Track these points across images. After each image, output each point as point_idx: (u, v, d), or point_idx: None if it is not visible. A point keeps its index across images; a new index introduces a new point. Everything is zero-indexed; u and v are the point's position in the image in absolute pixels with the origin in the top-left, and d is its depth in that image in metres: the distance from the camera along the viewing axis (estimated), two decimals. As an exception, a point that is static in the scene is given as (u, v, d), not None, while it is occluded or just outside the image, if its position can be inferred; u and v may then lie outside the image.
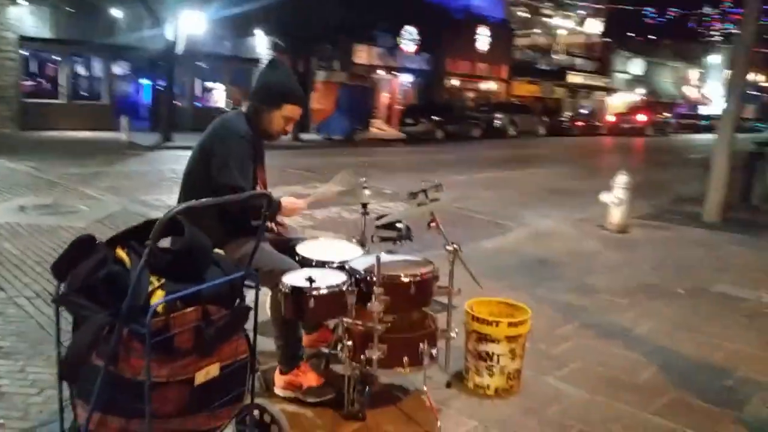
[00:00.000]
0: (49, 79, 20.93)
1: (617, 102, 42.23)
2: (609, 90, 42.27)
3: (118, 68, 22.13)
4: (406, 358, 2.58)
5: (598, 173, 13.67)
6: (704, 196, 8.22)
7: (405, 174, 11.59)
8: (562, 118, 33.24)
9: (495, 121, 27.62)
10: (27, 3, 18.67)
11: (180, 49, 18.10)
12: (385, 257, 2.67)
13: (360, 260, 2.74)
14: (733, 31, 50.50)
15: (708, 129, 42.62)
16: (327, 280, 2.50)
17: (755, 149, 9.56)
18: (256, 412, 2.27)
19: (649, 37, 46.26)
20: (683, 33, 48.62)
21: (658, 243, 6.71)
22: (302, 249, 2.86)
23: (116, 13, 20.38)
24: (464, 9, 32.02)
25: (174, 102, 18.98)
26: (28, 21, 18.81)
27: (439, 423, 2.58)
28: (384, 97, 30.95)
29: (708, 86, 51.23)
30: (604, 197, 7.08)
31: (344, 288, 2.49)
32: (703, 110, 48.93)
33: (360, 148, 19.49)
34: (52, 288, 4.27)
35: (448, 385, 2.98)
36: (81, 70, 21.47)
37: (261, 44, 24.98)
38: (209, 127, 2.86)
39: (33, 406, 2.78)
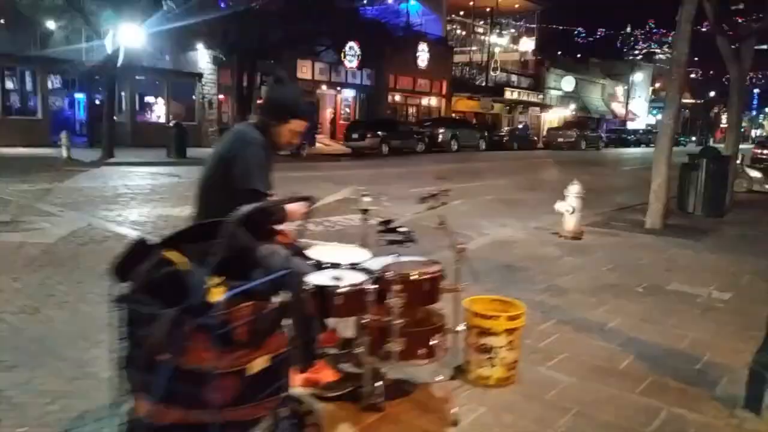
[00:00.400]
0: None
1: (551, 117, 43.95)
2: (543, 106, 43.93)
3: (53, 82, 21.43)
4: (422, 351, 2.76)
5: (541, 185, 14.30)
6: (646, 205, 8.79)
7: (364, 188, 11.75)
8: (501, 133, 34.29)
9: (438, 135, 28.24)
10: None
11: (119, 62, 17.71)
12: (397, 259, 2.85)
13: (373, 261, 2.91)
14: (655, 50, 53.50)
15: (636, 143, 45.02)
16: (349, 279, 2.66)
17: (689, 161, 10.27)
18: (293, 404, 2.39)
19: (579, 55, 48.37)
20: (610, 52, 51.09)
21: (610, 248, 7.15)
22: (313, 253, 3.00)
23: (51, 25, 19.76)
24: (405, 26, 32.71)
25: (113, 117, 18.50)
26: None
27: (456, 409, 2.76)
28: (328, 113, 31.18)
29: (634, 102, 53.99)
30: (559, 206, 7.49)
31: (366, 286, 2.66)
32: (630, 125, 51.57)
33: (308, 162, 19.56)
34: (36, 304, 4.24)
35: (452, 377, 3.18)
36: (14, 84, 20.65)
37: (203, 58, 24.77)
38: (226, 138, 2.96)
39: (50, 414, 2.79)
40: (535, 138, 37.31)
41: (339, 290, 2.59)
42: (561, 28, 45.81)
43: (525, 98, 42.28)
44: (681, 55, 8.67)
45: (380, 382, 2.86)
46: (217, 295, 1.96)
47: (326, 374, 2.89)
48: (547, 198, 10.32)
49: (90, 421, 2.73)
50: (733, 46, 11.54)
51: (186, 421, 2.01)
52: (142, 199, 9.70)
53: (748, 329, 4.08)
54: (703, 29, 13.74)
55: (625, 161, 28.34)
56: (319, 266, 2.87)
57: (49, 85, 21.19)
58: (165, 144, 18.56)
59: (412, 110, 33.82)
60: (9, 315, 4.02)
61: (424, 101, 34.90)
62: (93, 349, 3.55)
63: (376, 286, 2.70)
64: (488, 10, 41.36)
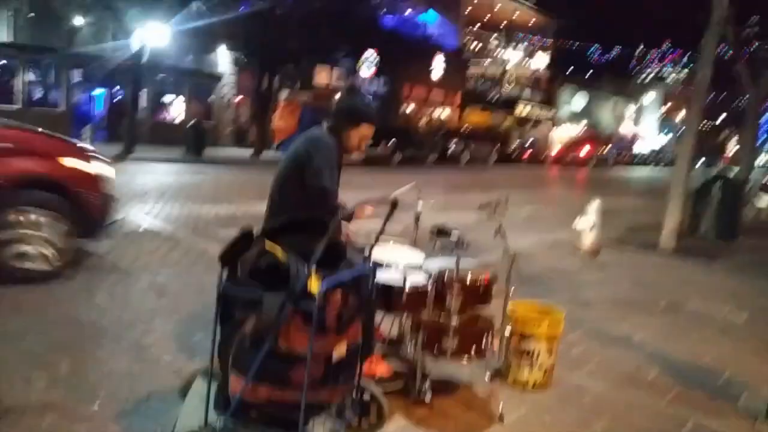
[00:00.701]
0: (5, 84, 20.32)
1: (562, 133, 44.16)
2: (555, 121, 44.18)
3: (77, 76, 21.74)
4: (473, 350, 2.98)
5: (556, 200, 14.50)
6: (660, 225, 8.98)
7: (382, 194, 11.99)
8: (513, 147, 34.54)
9: (450, 146, 28.48)
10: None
11: (143, 60, 18.05)
12: (451, 261, 3.08)
13: (430, 263, 3.14)
14: (668, 71, 53.87)
15: (644, 163, 45.19)
16: (412, 279, 2.89)
17: (702, 185, 10.44)
18: (361, 391, 2.62)
19: (592, 71, 48.70)
20: (623, 70, 51.42)
21: (628, 265, 7.36)
22: (374, 252, 3.22)
23: (79, 20, 20.14)
24: (421, 37, 33.09)
25: (135, 113, 18.82)
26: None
27: (502, 406, 2.98)
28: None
29: (643, 122, 54.24)
30: (580, 222, 7.71)
31: (428, 286, 2.89)
32: (638, 145, 51.79)
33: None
34: (88, 293, 4.46)
35: (492, 379, 3.39)
36: (39, 76, 20.97)
37: (223, 60, 25.11)
38: (301, 141, 3.19)
39: (123, 393, 3.01)
40: (546, 153, 37.51)
41: (404, 288, 2.81)
42: (575, 44, 46.01)
43: (536, 113, 42.55)
44: (704, 79, 8.88)
45: (428, 380, 3.08)
46: (315, 284, 2.18)
47: (381, 368, 3.11)
48: (561, 213, 10.52)
49: (157, 400, 2.95)
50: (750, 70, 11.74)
51: (274, 399, 2.23)
52: (170, 195, 9.95)
53: (766, 348, 4.29)
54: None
55: (634, 181, 28.53)
56: (380, 265, 3.10)
57: (75, 79, 21.50)
58: (183, 142, 18.85)
59: (424, 120, 34.08)
60: (65, 304, 4.25)
61: (437, 112, 35.19)
62: (147, 334, 3.79)
63: (435, 286, 2.93)
64: (504, 24, 41.80)
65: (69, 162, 4.86)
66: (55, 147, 4.94)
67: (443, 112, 35.32)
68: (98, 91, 23.84)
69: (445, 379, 3.30)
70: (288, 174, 3.11)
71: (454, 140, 28.89)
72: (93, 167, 5.01)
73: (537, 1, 42.93)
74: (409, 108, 33.42)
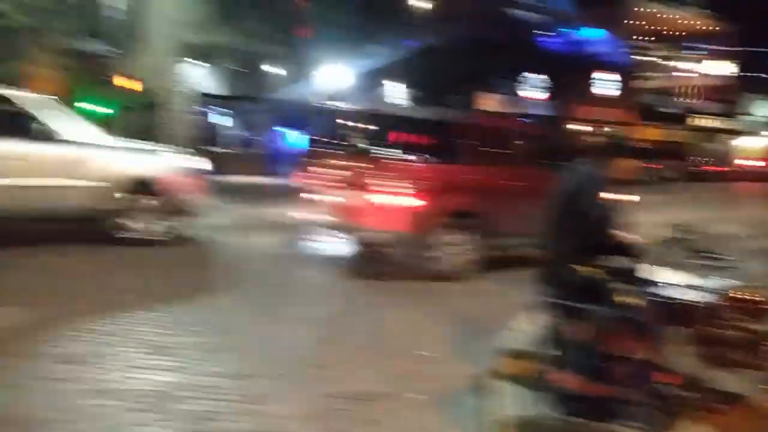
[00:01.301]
0: (210, 130, 23.19)
1: (747, 145, 40.46)
2: (736, 133, 40.65)
3: (272, 120, 24.31)
4: (752, 361, 3.19)
5: None
6: None
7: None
8: (694, 163, 32.39)
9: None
10: (206, 64, 21.38)
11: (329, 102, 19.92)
12: (723, 281, 3.33)
13: (707, 282, 3.40)
14: None
15: None
16: (693, 296, 3.19)
17: None
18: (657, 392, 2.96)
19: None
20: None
21: None
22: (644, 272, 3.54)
23: (272, 70, 22.75)
24: (589, 56, 32.42)
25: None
26: (206, 80, 21.40)
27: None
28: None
29: None
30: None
31: (711, 303, 3.18)
32: None
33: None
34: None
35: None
36: (246, 121, 23.82)
37: (395, 94, 26.60)
38: (573, 176, 3.63)
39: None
40: (731, 168, 34.61)
41: (688, 304, 3.13)
42: (759, 50, 42.00)
43: (716, 125, 39.46)
44: None
45: (712, 389, 3.31)
46: (633, 298, 2.61)
47: (668, 376, 3.39)
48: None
49: (458, 395, 3.50)
50: None
51: (598, 393, 2.67)
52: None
53: None
54: None
55: None
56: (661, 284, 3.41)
57: (273, 123, 24.11)
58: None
59: (600, 139, 33.10)
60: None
61: (610, 130, 34.03)
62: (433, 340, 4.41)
63: (717, 303, 3.20)
64: (677, 34, 39.51)
65: None
66: None
67: (616, 131, 34.09)
68: (291, 132, 26.37)
69: (723, 388, 3.49)
70: (565, 207, 3.55)
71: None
72: None
73: (710, 5, 40.07)
74: (580, 128, 32.70)
